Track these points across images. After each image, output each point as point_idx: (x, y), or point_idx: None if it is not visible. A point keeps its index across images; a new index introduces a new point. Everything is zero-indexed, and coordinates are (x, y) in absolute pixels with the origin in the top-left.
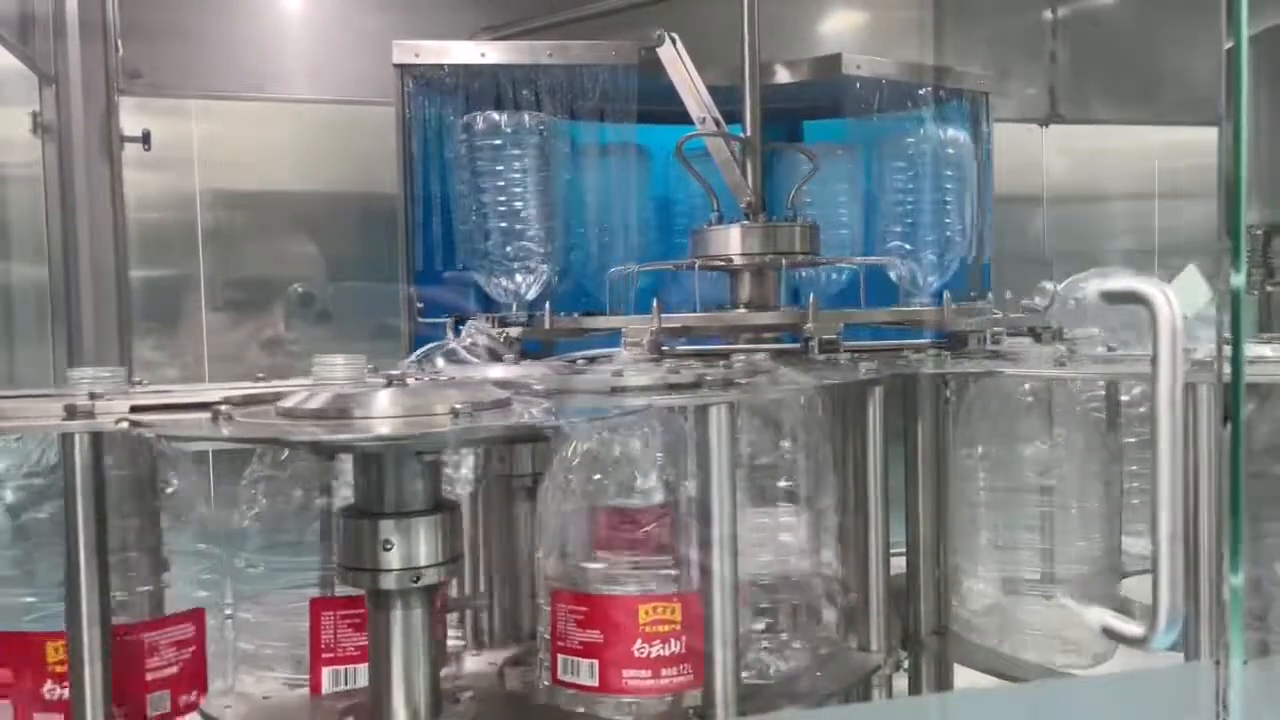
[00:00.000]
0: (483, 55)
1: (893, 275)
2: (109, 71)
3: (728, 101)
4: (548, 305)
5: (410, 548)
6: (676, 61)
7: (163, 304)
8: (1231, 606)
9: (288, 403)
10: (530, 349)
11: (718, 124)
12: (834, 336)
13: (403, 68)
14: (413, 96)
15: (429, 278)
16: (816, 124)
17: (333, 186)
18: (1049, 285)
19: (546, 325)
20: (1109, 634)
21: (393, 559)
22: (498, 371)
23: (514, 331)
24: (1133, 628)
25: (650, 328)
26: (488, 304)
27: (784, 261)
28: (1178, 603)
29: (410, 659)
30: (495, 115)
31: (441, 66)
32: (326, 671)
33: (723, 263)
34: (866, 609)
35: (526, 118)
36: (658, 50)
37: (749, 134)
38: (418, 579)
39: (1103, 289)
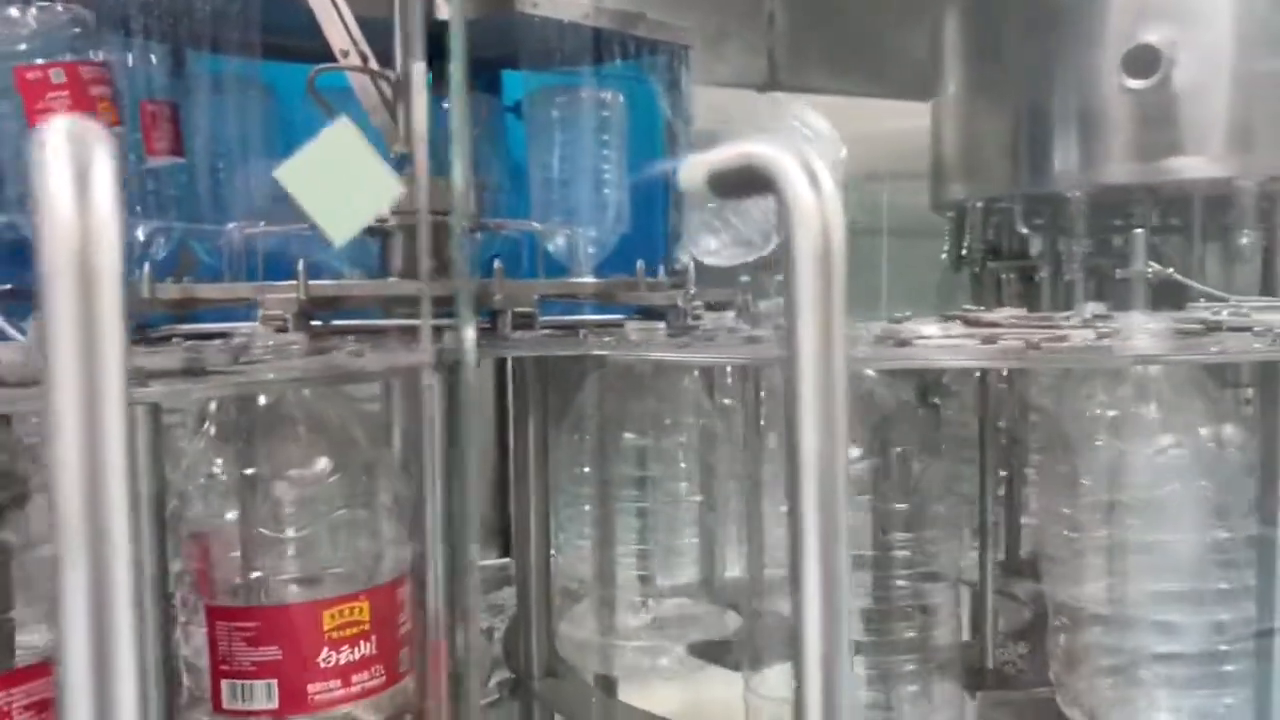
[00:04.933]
0: None
1: (550, 247)
2: None
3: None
4: (146, 269)
5: None
6: None
7: None
8: None
9: None
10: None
11: (364, 59)
12: (530, 310)
13: None
14: None
15: None
16: (517, 75)
17: None
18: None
19: (145, 294)
20: None
21: None
22: None
23: None
24: None
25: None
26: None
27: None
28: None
29: None
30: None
31: None
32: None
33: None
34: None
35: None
36: None
37: (402, 71)
38: None
39: (712, 169)
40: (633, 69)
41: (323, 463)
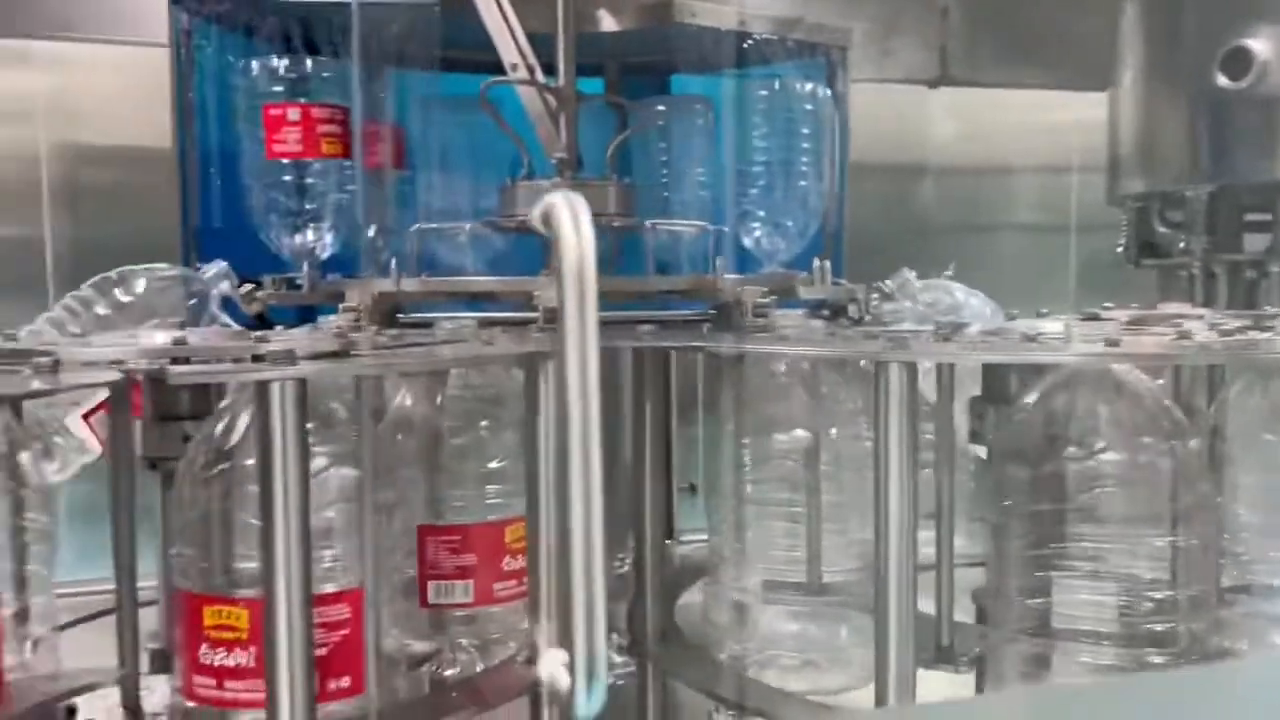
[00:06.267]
0: None
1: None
2: None
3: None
4: (305, 265)
5: None
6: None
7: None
8: None
9: None
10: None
11: (531, 72)
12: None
13: (179, 2)
14: (189, 35)
15: (209, 235)
16: (685, 79)
17: None
18: (908, 272)
19: (306, 288)
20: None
21: None
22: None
23: (262, 292)
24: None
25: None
26: (277, 265)
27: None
28: (597, 652)
29: None
30: (275, 61)
31: (221, 1)
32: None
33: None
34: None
35: (309, 63)
36: None
37: (563, 83)
38: None
39: (540, 212)
40: (790, 71)
41: (485, 423)
